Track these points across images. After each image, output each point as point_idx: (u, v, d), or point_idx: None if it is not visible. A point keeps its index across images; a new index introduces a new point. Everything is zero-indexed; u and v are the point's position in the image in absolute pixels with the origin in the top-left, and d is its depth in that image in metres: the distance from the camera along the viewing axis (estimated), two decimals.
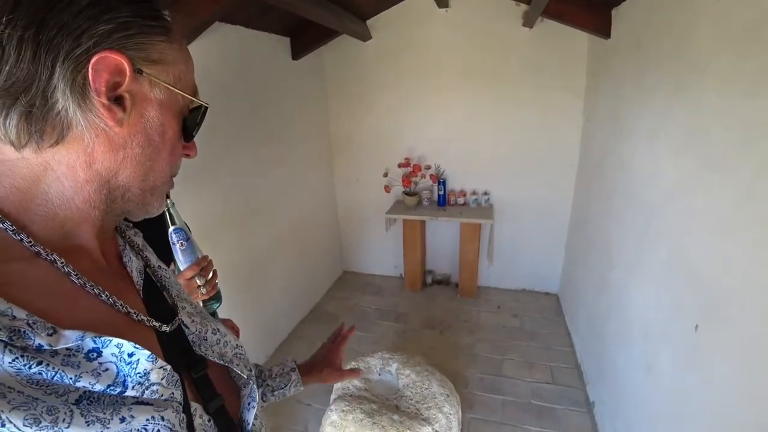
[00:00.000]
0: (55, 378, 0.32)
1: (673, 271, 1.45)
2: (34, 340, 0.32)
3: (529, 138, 3.10)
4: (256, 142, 2.69)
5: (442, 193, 3.37)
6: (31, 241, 0.38)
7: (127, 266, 0.51)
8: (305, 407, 2.38)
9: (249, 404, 0.59)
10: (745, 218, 1.05)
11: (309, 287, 3.49)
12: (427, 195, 3.45)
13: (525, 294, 3.50)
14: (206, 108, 0.50)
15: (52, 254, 0.38)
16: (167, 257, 0.97)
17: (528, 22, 2.61)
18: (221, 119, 2.35)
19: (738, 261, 1.07)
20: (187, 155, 0.51)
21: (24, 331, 0.31)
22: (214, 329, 0.58)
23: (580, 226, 2.87)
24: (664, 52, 1.61)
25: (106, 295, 0.42)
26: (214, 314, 0.95)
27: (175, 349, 0.49)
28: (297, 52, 3.00)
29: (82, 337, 0.35)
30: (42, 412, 0.31)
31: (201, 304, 0.96)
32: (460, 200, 3.38)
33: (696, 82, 1.34)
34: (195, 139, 0.52)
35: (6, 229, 0.37)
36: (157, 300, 0.52)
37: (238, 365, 0.58)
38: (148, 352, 0.39)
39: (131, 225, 0.59)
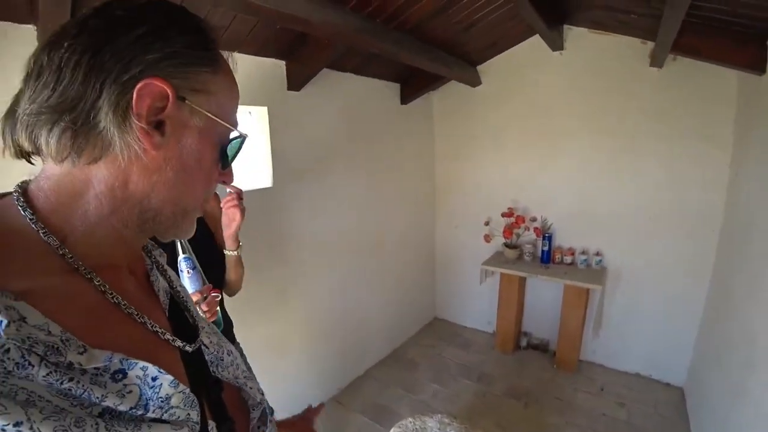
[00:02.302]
0: (83, 395, 0.33)
1: None
2: (65, 357, 0.33)
3: (655, 195, 2.65)
4: (360, 180, 2.85)
5: (546, 248, 3.07)
6: (72, 257, 0.39)
7: (154, 285, 0.53)
8: None
9: (259, 428, 0.61)
10: None
11: (396, 327, 3.44)
12: (529, 249, 3.17)
13: (638, 380, 2.87)
14: (245, 137, 0.51)
15: (90, 271, 0.40)
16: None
17: (656, 61, 2.28)
18: (328, 158, 2.56)
19: None
20: (224, 182, 0.52)
21: (57, 348, 0.32)
22: (228, 351, 0.59)
23: (718, 308, 2.29)
24: None
25: (139, 315, 0.43)
26: None
27: (197, 369, 0.50)
28: (406, 97, 3.13)
29: (110, 357, 0.36)
30: (71, 423, 0.31)
31: None
32: (567, 259, 3.02)
33: None
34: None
35: (50, 243, 0.38)
36: (180, 319, 0.54)
37: (251, 388, 0.60)
38: (170, 378, 0.40)
39: (157, 245, 0.61)
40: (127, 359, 0.37)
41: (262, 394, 0.63)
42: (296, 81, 2.22)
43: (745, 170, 2.12)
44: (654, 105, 2.54)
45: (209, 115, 0.44)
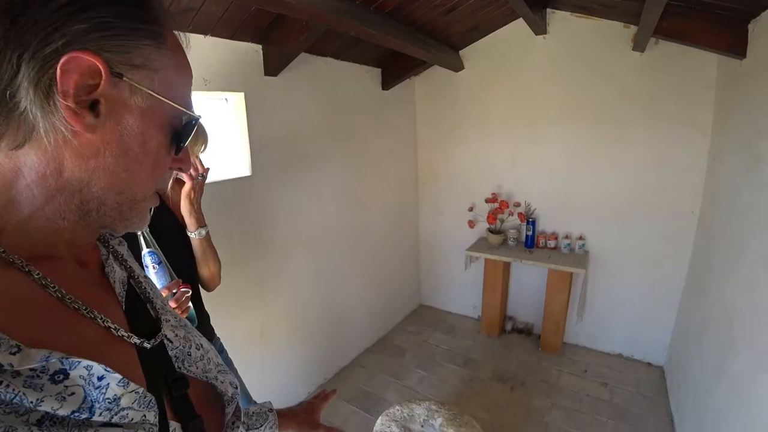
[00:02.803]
0: (15, 400, 0.30)
1: None
2: None
3: (638, 180, 2.68)
4: (341, 168, 2.79)
5: (530, 233, 3.08)
6: (4, 251, 0.36)
7: (109, 276, 0.49)
8: None
9: (233, 423, 0.58)
10: None
11: (381, 316, 3.43)
12: (513, 234, 3.18)
13: (620, 360, 2.95)
14: (197, 119, 0.46)
15: (28, 264, 0.37)
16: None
17: (638, 45, 2.27)
18: (308, 145, 2.49)
19: None
20: (180, 169, 0.48)
21: None
22: (197, 344, 0.56)
23: (697, 289, 2.34)
24: None
25: (87, 310, 0.40)
26: None
27: (156, 367, 0.46)
28: (387, 83, 3.06)
29: (48, 357, 0.32)
30: None
31: None
32: (551, 243, 3.05)
33: None
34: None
35: None
36: (140, 313, 0.50)
37: (222, 382, 0.56)
38: (119, 377, 0.36)
39: (116, 234, 0.56)
40: (67, 358, 0.33)
41: (236, 387, 0.59)
42: (274, 66, 2.14)
43: (724, 154, 2.14)
44: (636, 89, 2.55)
45: (153, 93, 0.39)
